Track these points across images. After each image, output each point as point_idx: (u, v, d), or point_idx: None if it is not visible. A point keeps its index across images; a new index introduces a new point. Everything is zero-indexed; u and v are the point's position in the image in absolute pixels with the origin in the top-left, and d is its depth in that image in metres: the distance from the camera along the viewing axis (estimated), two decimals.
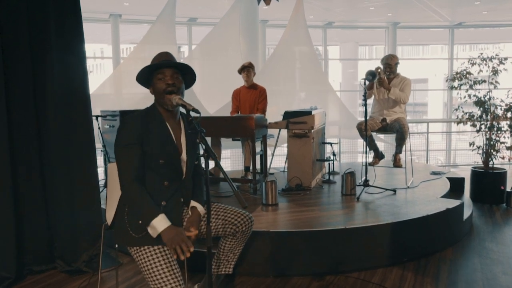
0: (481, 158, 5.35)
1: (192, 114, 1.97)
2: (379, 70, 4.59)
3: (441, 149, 10.87)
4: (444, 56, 18.95)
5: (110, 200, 2.25)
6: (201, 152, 1.83)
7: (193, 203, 2.15)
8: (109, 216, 2.22)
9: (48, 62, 3.23)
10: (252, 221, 2.27)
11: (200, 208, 2.13)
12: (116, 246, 2.37)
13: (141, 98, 6.94)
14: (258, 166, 4.93)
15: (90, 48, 18.63)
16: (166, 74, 2.05)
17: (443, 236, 3.75)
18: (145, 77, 2.11)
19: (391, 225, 3.38)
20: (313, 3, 8.02)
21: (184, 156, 2.10)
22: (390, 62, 4.81)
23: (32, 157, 3.26)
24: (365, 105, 4.35)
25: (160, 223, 1.88)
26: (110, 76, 7.01)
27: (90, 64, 21.60)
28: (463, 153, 10.42)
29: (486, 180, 5.24)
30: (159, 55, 2.15)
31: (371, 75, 4.39)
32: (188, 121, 1.96)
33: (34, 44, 3.19)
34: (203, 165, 1.80)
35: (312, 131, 4.54)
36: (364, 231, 3.32)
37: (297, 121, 4.55)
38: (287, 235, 3.23)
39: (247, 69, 5.03)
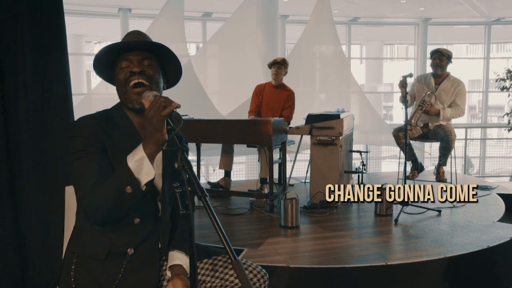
0: None
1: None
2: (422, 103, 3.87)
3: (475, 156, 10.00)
4: (473, 55, 17.97)
5: (68, 237, 1.60)
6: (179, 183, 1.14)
7: (175, 255, 1.42)
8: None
9: (19, 61, 2.65)
10: (267, 281, 1.53)
11: (187, 263, 1.41)
12: None
13: None
14: (276, 175, 4.25)
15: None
16: (133, 61, 1.38)
17: (505, 272, 3.00)
18: (107, 68, 1.44)
19: (444, 261, 2.65)
20: None
21: (158, 182, 1.42)
22: (443, 51, 4.03)
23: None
24: (405, 107, 3.63)
25: (135, 157, 1.23)
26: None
27: None
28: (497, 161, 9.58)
29: None
30: (126, 36, 1.47)
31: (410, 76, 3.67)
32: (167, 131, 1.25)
33: (1, 41, 2.61)
34: (181, 206, 1.09)
35: (340, 138, 3.84)
36: (409, 268, 2.60)
37: (323, 126, 3.85)
38: (311, 273, 2.54)
39: (278, 65, 4.33)
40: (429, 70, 4.30)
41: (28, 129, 2.73)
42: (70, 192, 1.72)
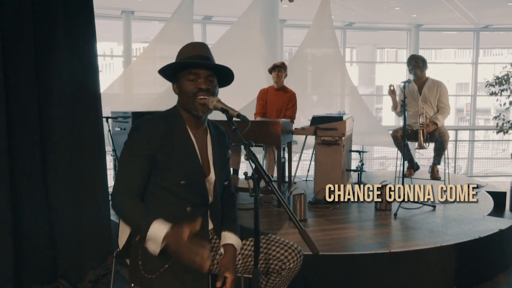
0: None
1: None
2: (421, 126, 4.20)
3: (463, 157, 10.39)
4: (461, 60, 18.44)
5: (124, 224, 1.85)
6: (249, 172, 1.40)
7: (227, 235, 1.69)
8: (121, 242, 1.82)
9: (54, 61, 2.88)
10: (302, 255, 1.83)
11: (237, 242, 1.69)
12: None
13: (154, 99, 6.55)
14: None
15: (100, 47, 18.35)
16: (200, 76, 1.63)
17: (494, 260, 3.31)
18: (171, 71, 1.69)
19: (441, 249, 2.95)
20: (335, 1, 7.61)
21: (212, 175, 1.69)
22: (418, 56, 4.39)
23: (34, 164, 2.88)
24: (404, 111, 3.93)
25: (158, 229, 1.43)
26: (121, 75, 6.64)
27: (100, 63, 21.31)
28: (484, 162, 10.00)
29: None
30: (192, 47, 1.71)
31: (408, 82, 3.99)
32: (231, 131, 1.54)
33: (39, 41, 2.83)
34: (251, 191, 1.37)
35: (343, 138, 4.13)
36: (410, 255, 2.89)
37: (327, 127, 4.13)
38: (322, 260, 2.82)
39: (278, 69, 4.61)
40: None
41: (61, 128, 2.95)
42: None
